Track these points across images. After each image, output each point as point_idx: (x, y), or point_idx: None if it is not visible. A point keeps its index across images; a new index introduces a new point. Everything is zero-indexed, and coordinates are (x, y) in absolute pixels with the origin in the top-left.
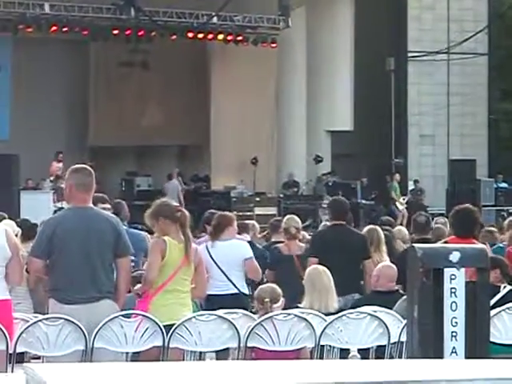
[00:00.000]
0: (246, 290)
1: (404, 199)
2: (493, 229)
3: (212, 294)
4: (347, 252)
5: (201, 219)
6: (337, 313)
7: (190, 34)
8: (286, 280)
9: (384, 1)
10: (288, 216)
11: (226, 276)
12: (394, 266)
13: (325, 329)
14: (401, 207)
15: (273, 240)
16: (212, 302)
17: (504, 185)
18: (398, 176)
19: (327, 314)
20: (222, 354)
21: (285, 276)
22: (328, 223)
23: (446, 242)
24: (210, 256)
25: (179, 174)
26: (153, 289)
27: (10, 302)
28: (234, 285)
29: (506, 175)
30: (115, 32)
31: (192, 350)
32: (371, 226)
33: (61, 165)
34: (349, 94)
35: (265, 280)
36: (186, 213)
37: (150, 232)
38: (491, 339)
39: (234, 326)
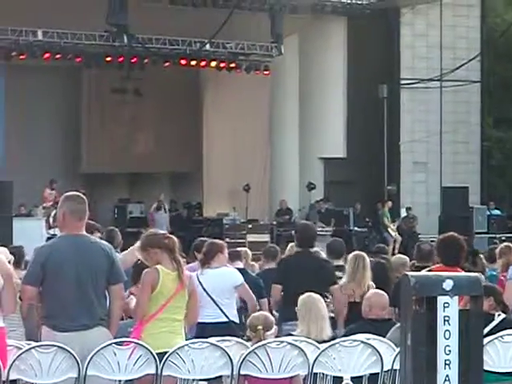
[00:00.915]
0: (236, 319)
1: (394, 225)
2: (481, 256)
3: (202, 322)
4: (311, 279)
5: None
6: (330, 340)
7: (183, 61)
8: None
9: (377, 28)
10: (291, 243)
11: (216, 304)
12: (385, 294)
13: (318, 356)
14: (393, 233)
15: (266, 267)
16: (202, 331)
17: (497, 212)
18: (390, 203)
19: (321, 342)
20: (215, 382)
21: None
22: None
23: (430, 270)
24: (200, 284)
25: (173, 201)
26: (145, 317)
27: (5, 330)
28: (224, 313)
29: (498, 202)
30: (108, 59)
31: (185, 377)
32: (356, 253)
33: (54, 192)
34: (342, 121)
35: (258, 308)
36: (174, 238)
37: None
38: (484, 367)
39: (227, 353)
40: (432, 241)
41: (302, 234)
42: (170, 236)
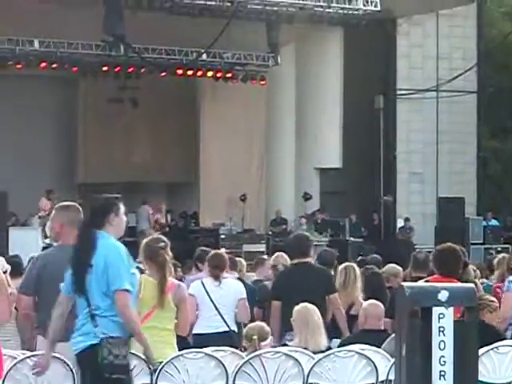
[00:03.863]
0: (235, 328)
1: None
2: (473, 267)
3: (203, 333)
4: (310, 290)
5: (189, 255)
6: (326, 351)
7: (180, 71)
8: None
9: (373, 38)
10: (277, 253)
11: (220, 314)
12: (380, 305)
13: (313, 367)
14: None
15: (255, 278)
16: (203, 341)
17: (494, 222)
18: (316, 216)
19: (317, 353)
20: None
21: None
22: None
23: (427, 281)
24: (207, 293)
25: (169, 210)
26: None
27: None
28: (226, 323)
29: (495, 213)
30: (104, 69)
31: None
32: (346, 264)
33: (50, 202)
34: (338, 131)
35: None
36: (166, 256)
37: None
38: (479, 378)
39: (221, 363)
40: (428, 251)
41: (294, 246)
42: (162, 253)
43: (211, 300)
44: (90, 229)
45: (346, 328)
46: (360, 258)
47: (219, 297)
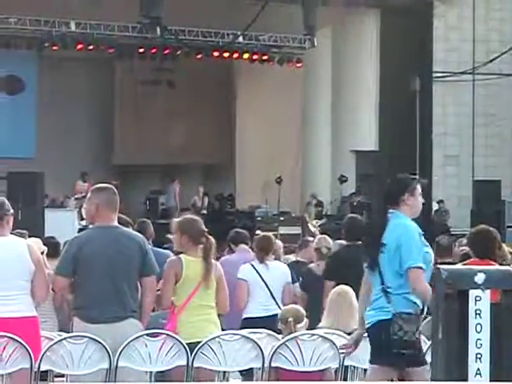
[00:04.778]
0: None
1: (317, 222)
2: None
3: (256, 317)
4: (362, 272)
5: (225, 238)
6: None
7: (216, 53)
8: (318, 300)
9: (409, 21)
10: (319, 236)
11: (273, 296)
12: None
13: None
14: (313, 229)
15: (298, 259)
16: (256, 324)
17: None
18: (314, 200)
19: (350, 333)
20: (246, 374)
21: (317, 296)
22: (343, 243)
23: (465, 265)
24: (259, 275)
25: (205, 193)
26: (178, 306)
27: (37, 320)
28: (278, 305)
29: None
30: (141, 50)
31: (216, 369)
32: None
33: (86, 184)
34: (374, 114)
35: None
36: (212, 240)
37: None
38: None
39: (258, 345)
40: (464, 235)
41: (347, 228)
42: (209, 237)
43: (265, 283)
44: (384, 208)
45: None
46: None
47: (271, 279)
